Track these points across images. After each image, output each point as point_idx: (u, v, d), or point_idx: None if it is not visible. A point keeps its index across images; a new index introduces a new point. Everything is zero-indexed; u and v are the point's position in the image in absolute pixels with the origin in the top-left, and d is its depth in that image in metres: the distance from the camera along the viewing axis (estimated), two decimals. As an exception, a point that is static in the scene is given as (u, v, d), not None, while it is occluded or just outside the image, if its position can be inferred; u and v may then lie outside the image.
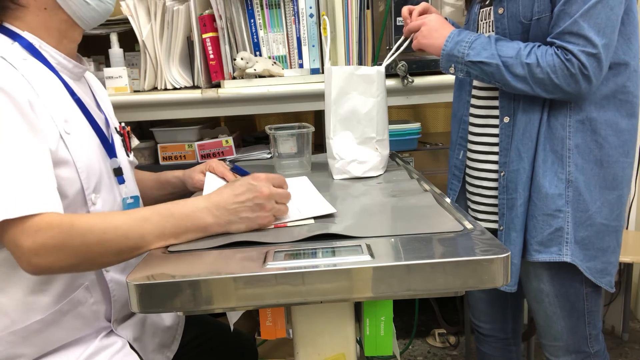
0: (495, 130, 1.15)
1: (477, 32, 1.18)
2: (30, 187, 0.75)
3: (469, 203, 1.26)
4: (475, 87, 1.20)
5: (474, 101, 1.21)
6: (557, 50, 1.00)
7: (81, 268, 0.80)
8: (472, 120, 1.22)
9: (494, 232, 1.17)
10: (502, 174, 1.14)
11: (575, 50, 0.98)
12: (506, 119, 1.12)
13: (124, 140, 1.06)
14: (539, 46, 1.02)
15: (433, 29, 1.14)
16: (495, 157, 1.16)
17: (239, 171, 1.20)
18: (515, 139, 1.10)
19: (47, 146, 0.80)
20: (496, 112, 1.14)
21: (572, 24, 0.97)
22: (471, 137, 1.23)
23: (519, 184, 1.11)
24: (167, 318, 1.07)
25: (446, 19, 1.24)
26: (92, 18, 0.93)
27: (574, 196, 1.07)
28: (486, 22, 1.14)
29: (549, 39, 1.02)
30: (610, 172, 1.07)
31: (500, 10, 1.09)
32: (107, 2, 0.93)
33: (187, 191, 1.21)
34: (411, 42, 1.20)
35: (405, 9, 1.22)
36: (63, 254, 0.74)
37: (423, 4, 1.22)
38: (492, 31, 1.12)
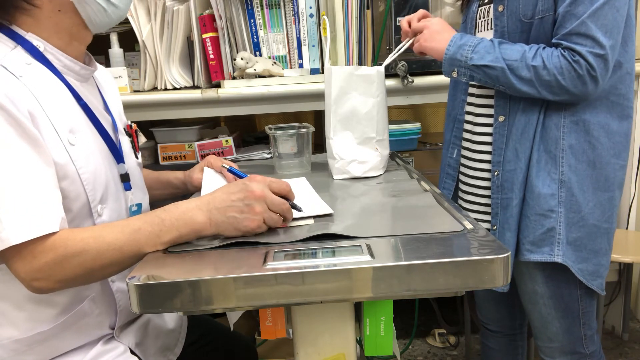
0: (491, 130, 1.15)
1: (474, 30, 1.17)
2: (23, 211, 0.73)
3: (461, 202, 1.26)
4: (472, 86, 1.20)
5: (470, 99, 1.21)
6: (564, 51, 0.99)
7: (82, 283, 0.81)
8: (467, 118, 1.22)
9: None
10: (496, 173, 1.14)
11: (584, 52, 0.97)
12: (501, 118, 1.12)
13: (132, 141, 1.04)
14: (544, 48, 1.02)
15: (435, 32, 1.14)
16: (489, 157, 1.16)
17: (235, 173, 1.18)
18: (513, 138, 1.10)
19: (50, 159, 0.78)
20: (492, 112, 1.14)
21: (580, 25, 0.97)
22: (466, 136, 1.23)
23: (515, 183, 1.10)
24: (170, 321, 1.06)
25: None
26: (105, 24, 0.91)
27: (567, 197, 1.06)
28: (484, 20, 1.14)
29: (554, 40, 1.01)
30: (603, 173, 1.06)
31: (500, 8, 1.08)
32: (123, 9, 0.91)
33: (189, 191, 1.21)
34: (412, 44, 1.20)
35: (404, 21, 1.21)
36: (60, 275, 0.75)
37: (421, 11, 1.21)
38: (491, 29, 1.12)
